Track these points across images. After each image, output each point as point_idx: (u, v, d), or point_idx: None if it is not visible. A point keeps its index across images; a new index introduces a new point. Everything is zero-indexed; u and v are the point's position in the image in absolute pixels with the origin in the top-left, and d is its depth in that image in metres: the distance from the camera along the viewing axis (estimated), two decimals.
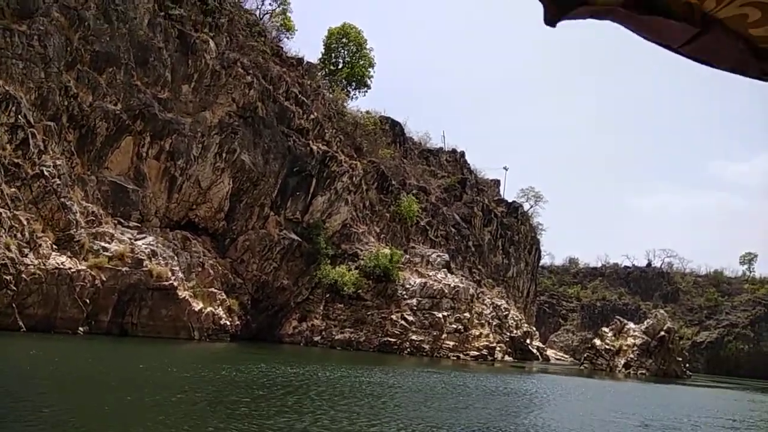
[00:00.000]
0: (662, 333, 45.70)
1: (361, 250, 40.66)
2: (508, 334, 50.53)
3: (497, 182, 67.54)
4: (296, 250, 37.11)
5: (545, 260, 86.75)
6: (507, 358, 46.45)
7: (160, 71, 31.43)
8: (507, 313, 52.65)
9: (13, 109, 22.61)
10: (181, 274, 29.58)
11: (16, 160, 22.43)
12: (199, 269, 31.46)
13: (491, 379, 25.05)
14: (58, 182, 24.23)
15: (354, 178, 42.32)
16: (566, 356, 70.35)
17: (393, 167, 49.35)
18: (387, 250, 40.72)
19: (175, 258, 29.86)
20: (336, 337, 35.98)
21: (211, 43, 34.26)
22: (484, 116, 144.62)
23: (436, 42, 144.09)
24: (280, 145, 37.03)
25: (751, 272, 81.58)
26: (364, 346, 35.87)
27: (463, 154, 62.48)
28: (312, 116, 40.14)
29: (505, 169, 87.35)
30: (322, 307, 37.18)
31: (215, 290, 31.52)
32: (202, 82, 33.49)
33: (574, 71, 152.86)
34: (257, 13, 41.68)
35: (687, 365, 48.78)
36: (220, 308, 31.10)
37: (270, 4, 42.18)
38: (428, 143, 60.24)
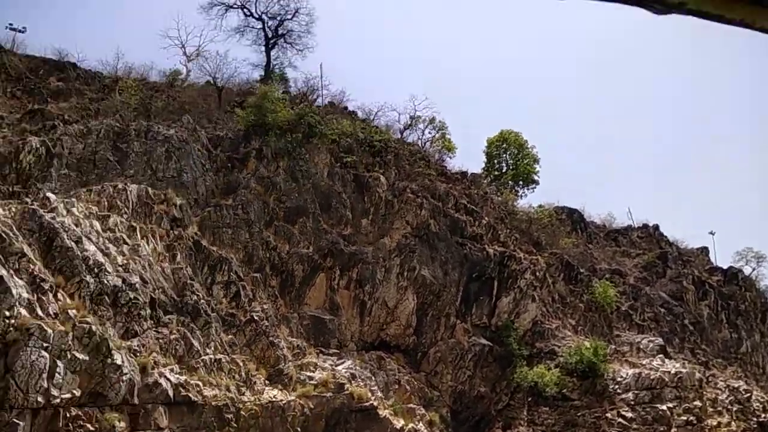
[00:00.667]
0: None
1: (558, 346, 36.02)
2: (755, 419, 39.02)
3: (705, 250, 56.73)
4: (488, 355, 34.25)
5: None
6: None
7: (341, 212, 33.61)
8: (748, 395, 41.05)
9: (226, 268, 25.54)
10: (379, 393, 28.85)
11: (231, 311, 24.84)
12: (396, 386, 30.45)
13: None
14: (266, 324, 26.06)
15: (537, 273, 38.90)
16: None
17: (578, 255, 44.66)
18: (588, 343, 35.50)
19: (373, 378, 29.40)
20: None
21: (382, 178, 36.01)
22: (673, 182, 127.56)
23: (605, 119, 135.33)
24: (456, 255, 36.01)
25: None
26: None
27: (657, 227, 54.41)
28: (483, 221, 38.87)
29: (712, 234, 73.18)
30: (525, 413, 32.89)
31: (414, 405, 29.94)
32: (378, 213, 34.90)
33: None
34: (419, 142, 43.38)
35: None
36: (420, 423, 29.23)
37: (429, 132, 43.73)
38: (613, 224, 53.99)
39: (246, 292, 26.10)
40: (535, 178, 48.57)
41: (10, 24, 36.00)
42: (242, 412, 22.44)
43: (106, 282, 21.12)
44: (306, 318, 29.39)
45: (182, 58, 39.77)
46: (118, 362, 19.58)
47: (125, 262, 22.11)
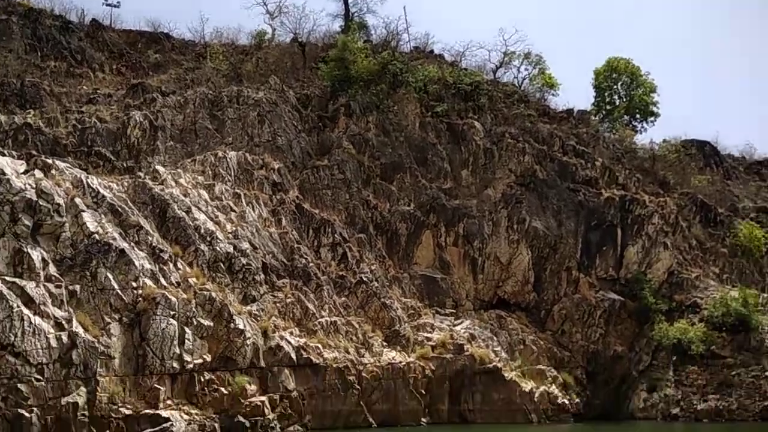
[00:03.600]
0: None
1: (701, 298, 34.46)
2: None
3: None
4: (621, 311, 33.46)
5: None
6: None
7: (439, 165, 33.91)
8: None
9: (330, 230, 26.85)
10: (504, 354, 29.23)
11: (340, 273, 26.17)
12: (521, 347, 30.65)
13: None
14: (377, 285, 27.15)
15: (667, 217, 37.19)
16: None
17: (714, 193, 42.12)
18: (735, 293, 33.70)
19: (494, 338, 29.80)
20: (698, 407, 30.08)
21: (477, 125, 35.81)
22: None
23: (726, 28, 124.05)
24: (570, 202, 35.22)
25: None
26: (739, 415, 29.11)
27: None
28: (597, 163, 37.59)
29: None
30: (671, 373, 31.92)
31: (543, 367, 30.06)
32: (477, 164, 34.83)
33: None
34: (515, 81, 42.38)
35: None
36: (553, 386, 29.36)
37: (525, 69, 42.53)
38: (754, 154, 50.17)
39: (353, 253, 27.28)
40: (654, 109, 45.91)
41: (105, 0, 38.87)
42: (364, 374, 23.70)
43: (219, 249, 22.96)
44: (417, 277, 30.23)
45: (265, 16, 41.08)
46: (241, 327, 21.34)
47: (234, 228, 23.86)
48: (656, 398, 31.07)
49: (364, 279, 26.93)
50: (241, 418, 20.32)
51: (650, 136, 45.69)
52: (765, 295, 35.30)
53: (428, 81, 36.70)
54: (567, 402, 28.75)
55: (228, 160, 26.20)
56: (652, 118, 45.84)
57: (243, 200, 25.23)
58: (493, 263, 32.92)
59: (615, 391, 32.24)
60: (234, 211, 24.54)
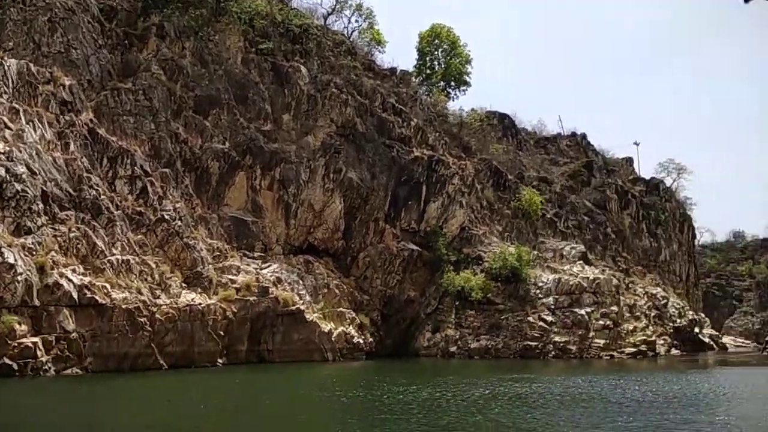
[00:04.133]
0: None
1: (485, 252, 38.74)
2: (671, 324, 45.11)
3: (629, 160, 61.80)
4: (417, 260, 36.28)
5: (705, 238, 77.44)
6: (673, 351, 41.40)
7: (260, 105, 32.71)
8: (665, 301, 47.17)
9: (129, 161, 24.48)
10: (308, 297, 29.99)
11: (138, 209, 24.13)
12: (325, 290, 31.72)
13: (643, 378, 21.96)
14: (180, 224, 25.68)
15: (465, 179, 40.79)
16: (747, 342, 61.58)
17: (507, 162, 47.05)
18: (512, 249, 38.44)
19: (301, 282, 30.37)
20: (472, 346, 34.25)
21: (303, 69, 35.12)
22: (602, 91, 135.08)
23: (532, 22, 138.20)
24: (385, 157, 36.74)
25: None
26: (503, 353, 33.75)
27: (584, 136, 58.06)
28: (412, 123, 39.51)
29: (636, 144, 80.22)
30: (453, 316, 35.73)
31: (343, 309, 31.55)
32: (300, 109, 34.36)
33: (708, 24, 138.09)
34: (345, 32, 42.25)
35: None
36: (350, 327, 31.02)
37: (356, 21, 42.59)
38: (543, 131, 56.93)
39: (155, 188, 25.33)
40: (467, 79, 49.44)
41: None
42: (157, 316, 22.56)
43: None
44: (226, 219, 29.25)
45: None
46: (11, 261, 18.73)
47: (8, 149, 20.52)
48: (438, 338, 34.66)
49: (166, 217, 25.27)
50: (8, 360, 18.11)
51: (461, 104, 49.33)
52: (536, 252, 40.83)
53: (255, 15, 34.78)
54: (362, 341, 30.64)
55: (6, 67, 22.18)
56: (465, 87, 49.31)
57: (22, 117, 21.67)
58: (307, 210, 33.21)
59: (405, 332, 35.23)
60: (9, 128, 21.00)
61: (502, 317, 35.82)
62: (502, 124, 50.70)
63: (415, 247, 36.32)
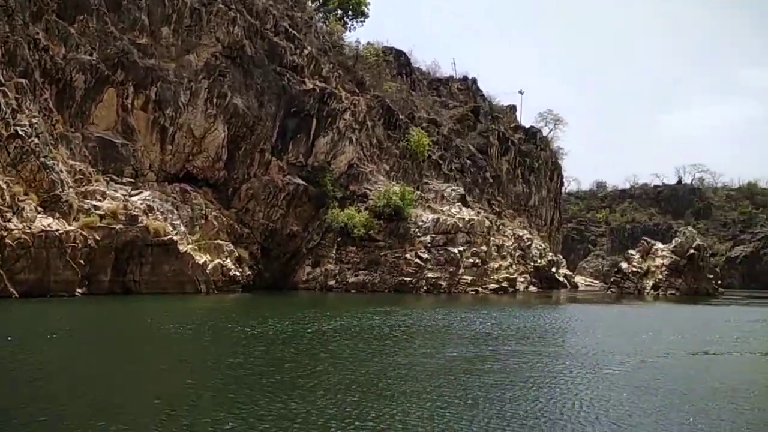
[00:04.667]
0: (691, 251, 43.85)
1: (371, 190, 39.32)
2: (532, 264, 49.33)
3: (513, 108, 64.58)
4: (303, 195, 35.99)
5: (572, 186, 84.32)
6: (531, 288, 45.45)
7: (135, 15, 29.59)
8: (530, 243, 51.26)
9: None
10: (183, 228, 28.83)
11: None
12: (203, 221, 30.64)
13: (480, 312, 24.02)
14: (37, 141, 23.17)
15: (357, 115, 40.46)
16: (596, 282, 69.14)
17: (400, 101, 47.13)
18: (397, 188, 39.32)
19: (175, 212, 29.03)
20: (350, 281, 35.27)
21: None
22: (494, 39, 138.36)
23: None
24: (274, 86, 35.23)
25: None
26: (380, 288, 35.15)
27: (474, 81, 59.53)
28: (306, 51, 37.97)
29: (521, 93, 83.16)
30: (334, 251, 36.33)
31: (221, 242, 30.78)
32: (182, 23, 31.56)
33: None
34: None
35: (719, 282, 47.07)
36: (228, 260, 30.44)
37: None
38: (437, 72, 57.43)
39: (8, 100, 22.41)
40: (365, 10, 48.02)
41: None
42: (8, 241, 20.62)
43: None
44: (92, 140, 26.78)
45: None
46: None
47: None
48: (318, 272, 35.24)
49: (21, 133, 22.62)
50: None
51: (357, 35, 48.11)
52: (419, 192, 42.12)
53: None
54: (239, 274, 30.31)
55: None
56: (362, 19, 47.94)
57: None
58: (186, 135, 31.30)
59: (285, 266, 35.33)
60: None
61: (382, 254, 37.06)
62: (398, 61, 50.36)
63: (301, 182, 35.90)
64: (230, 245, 31.06)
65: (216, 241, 30.35)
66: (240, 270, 30.78)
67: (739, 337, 17.38)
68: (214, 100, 32.30)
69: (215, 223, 31.07)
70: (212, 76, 32.23)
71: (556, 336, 16.95)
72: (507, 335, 15.89)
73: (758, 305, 36.10)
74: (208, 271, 28.31)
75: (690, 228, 51.27)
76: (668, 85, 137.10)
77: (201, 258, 28.33)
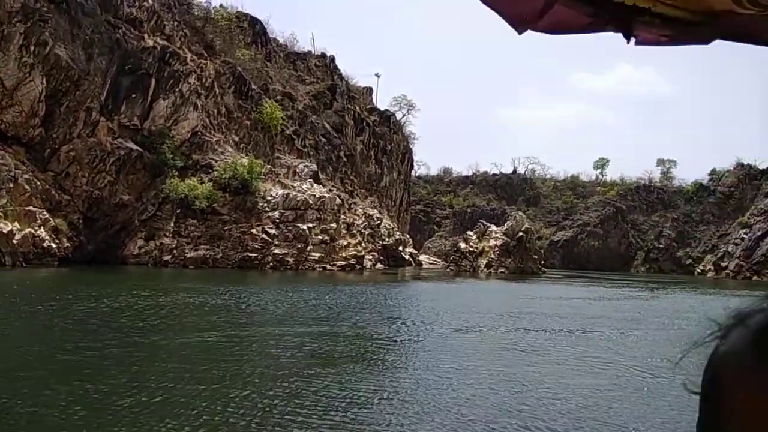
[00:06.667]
0: (520, 233, 47.98)
1: (216, 161, 37.21)
2: (381, 242, 50.59)
3: (369, 90, 65.27)
4: (137, 162, 32.91)
5: (421, 170, 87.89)
6: (378, 266, 46.59)
7: None
8: (379, 222, 52.47)
9: None
10: None
11: None
12: (11, 185, 26.66)
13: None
14: None
15: (204, 80, 37.89)
16: (439, 261, 73.16)
17: (254, 70, 45.06)
18: (245, 160, 37.64)
19: None
20: (189, 255, 33.19)
21: None
22: (354, 19, 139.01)
23: None
24: (106, 38, 31.59)
25: (603, 176, 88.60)
26: (222, 263, 33.57)
27: (333, 59, 58.94)
28: (146, 4, 34.53)
29: (377, 76, 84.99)
30: (172, 224, 33.88)
31: (34, 209, 27.08)
32: None
33: None
34: None
35: (542, 262, 52.17)
36: (41, 229, 26.89)
37: None
38: (295, 46, 55.91)
39: None
40: None
41: None
42: None
43: None
44: None
45: None
46: None
47: None
48: (152, 246, 32.64)
49: None
50: None
51: None
52: (269, 166, 40.77)
53: None
54: (54, 246, 26.98)
55: None
56: None
57: None
58: None
59: (113, 238, 32.18)
60: None
61: (226, 228, 35.38)
62: (253, 29, 48.07)
63: (135, 147, 32.77)
64: (45, 213, 27.46)
65: (27, 208, 26.64)
66: (57, 241, 27.39)
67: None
68: (32, 47, 28.12)
69: (27, 187, 27.21)
70: (30, 20, 27.98)
71: (376, 311, 17.31)
72: (318, 313, 15.82)
73: (562, 283, 40.66)
74: (15, 242, 24.76)
75: (520, 213, 56.03)
76: (510, 83, 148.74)
77: (6, 226, 24.68)
